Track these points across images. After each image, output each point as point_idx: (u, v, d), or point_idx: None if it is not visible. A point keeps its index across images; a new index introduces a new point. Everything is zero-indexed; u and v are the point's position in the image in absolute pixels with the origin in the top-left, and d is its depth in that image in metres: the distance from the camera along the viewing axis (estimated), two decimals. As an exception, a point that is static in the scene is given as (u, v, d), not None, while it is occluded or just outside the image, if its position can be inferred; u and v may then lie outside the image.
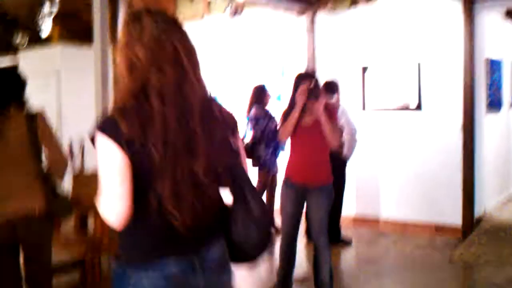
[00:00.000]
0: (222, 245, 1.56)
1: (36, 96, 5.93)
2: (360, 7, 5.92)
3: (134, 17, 1.48)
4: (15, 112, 2.61)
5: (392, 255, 4.91)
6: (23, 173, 2.56)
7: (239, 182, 1.55)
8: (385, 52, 5.78)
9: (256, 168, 5.45)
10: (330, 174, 3.67)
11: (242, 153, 1.65)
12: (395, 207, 5.76)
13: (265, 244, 1.58)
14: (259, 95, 5.52)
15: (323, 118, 3.48)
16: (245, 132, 5.49)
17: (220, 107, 1.57)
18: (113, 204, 1.41)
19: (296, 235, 3.72)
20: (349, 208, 5.88)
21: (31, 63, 6.87)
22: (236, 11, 6.51)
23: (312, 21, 6.01)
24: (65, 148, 3.64)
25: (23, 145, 2.55)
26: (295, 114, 3.53)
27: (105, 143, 1.39)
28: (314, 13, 6.02)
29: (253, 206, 1.52)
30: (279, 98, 5.59)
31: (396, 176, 5.76)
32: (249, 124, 5.46)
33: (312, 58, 5.98)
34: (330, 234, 3.70)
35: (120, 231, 1.48)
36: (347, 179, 5.25)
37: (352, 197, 5.90)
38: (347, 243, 5.23)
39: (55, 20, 6.42)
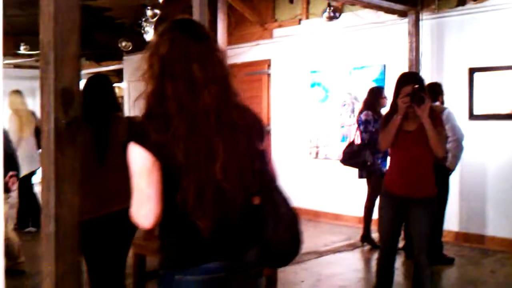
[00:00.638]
0: (257, 250, 1.61)
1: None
2: (467, 7, 5.51)
3: (163, 29, 1.59)
4: (117, 118, 2.73)
5: (499, 277, 4.44)
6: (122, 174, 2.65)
7: (267, 186, 1.61)
8: (493, 55, 5.31)
9: (363, 174, 5.24)
10: (434, 185, 3.37)
11: (270, 158, 1.69)
12: (501, 223, 5.26)
13: (295, 246, 1.62)
14: (373, 98, 5.26)
15: (428, 124, 3.20)
16: (355, 135, 5.28)
17: (245, 113, 1.62)
18: (143, 206, 1.49)
19: (395, 251, 3.48)
20: (452, 224, 5.44)
21: (133, 68, 7.18)
22: (335, 14, 6.33)
23: (415, 24, 5.67)
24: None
25: (125, 149, 2.63)
26: (397, 120, 3.27)
27: (135, 148, 1.50)
28: (417, 15, 5.68)
29: (282, 209, 1.59)
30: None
31: (502, 190, 5.25)
32: (360, 127, 5.23)
33: (415, 61, 5.64)
34: (430, 252, 3.40)
35: (160, 238, 1.60)
36: (450, 191, 4.83)
37: (455, 211, 5.45)
38: (449, 262, 4.80)
39: (156, 24, 6.64)
